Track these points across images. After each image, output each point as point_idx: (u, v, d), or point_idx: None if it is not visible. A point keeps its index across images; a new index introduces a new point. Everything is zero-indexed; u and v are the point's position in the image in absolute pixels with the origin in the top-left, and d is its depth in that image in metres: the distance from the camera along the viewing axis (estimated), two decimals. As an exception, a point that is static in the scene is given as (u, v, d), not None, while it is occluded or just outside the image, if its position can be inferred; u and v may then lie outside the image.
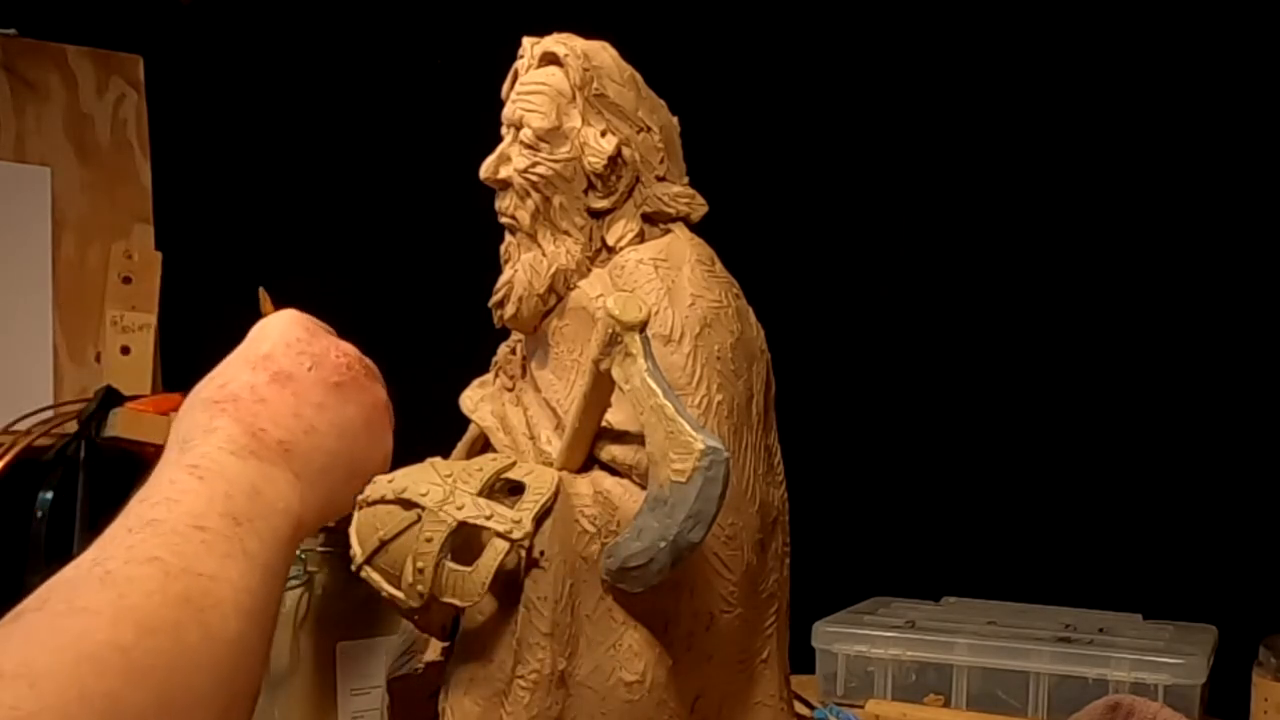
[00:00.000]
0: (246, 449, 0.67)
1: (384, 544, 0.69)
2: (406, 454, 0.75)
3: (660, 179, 0.78)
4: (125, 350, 1.45)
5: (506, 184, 0.78)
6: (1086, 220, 1.40)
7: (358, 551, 0.70)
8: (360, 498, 0.72)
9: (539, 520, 0.69)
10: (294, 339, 0.73)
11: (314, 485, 0.69)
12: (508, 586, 0.70)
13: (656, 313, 0.72)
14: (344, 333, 0.80)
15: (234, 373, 0.71)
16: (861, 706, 1.13)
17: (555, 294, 0.77)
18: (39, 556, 1.30)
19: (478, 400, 0.82)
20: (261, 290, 1.01)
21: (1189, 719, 1.01)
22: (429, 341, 1.42)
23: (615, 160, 0.76)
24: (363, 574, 0.71)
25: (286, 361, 0.72)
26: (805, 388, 0.97)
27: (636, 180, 0.77)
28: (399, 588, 0.69)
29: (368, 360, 0.76)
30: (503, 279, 0.79)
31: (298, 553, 1.01)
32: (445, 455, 0.80)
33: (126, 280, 1.46)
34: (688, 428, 0.65)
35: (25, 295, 1.41)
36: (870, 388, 1.47)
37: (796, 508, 0.79)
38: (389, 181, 1.55)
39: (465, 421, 0.82)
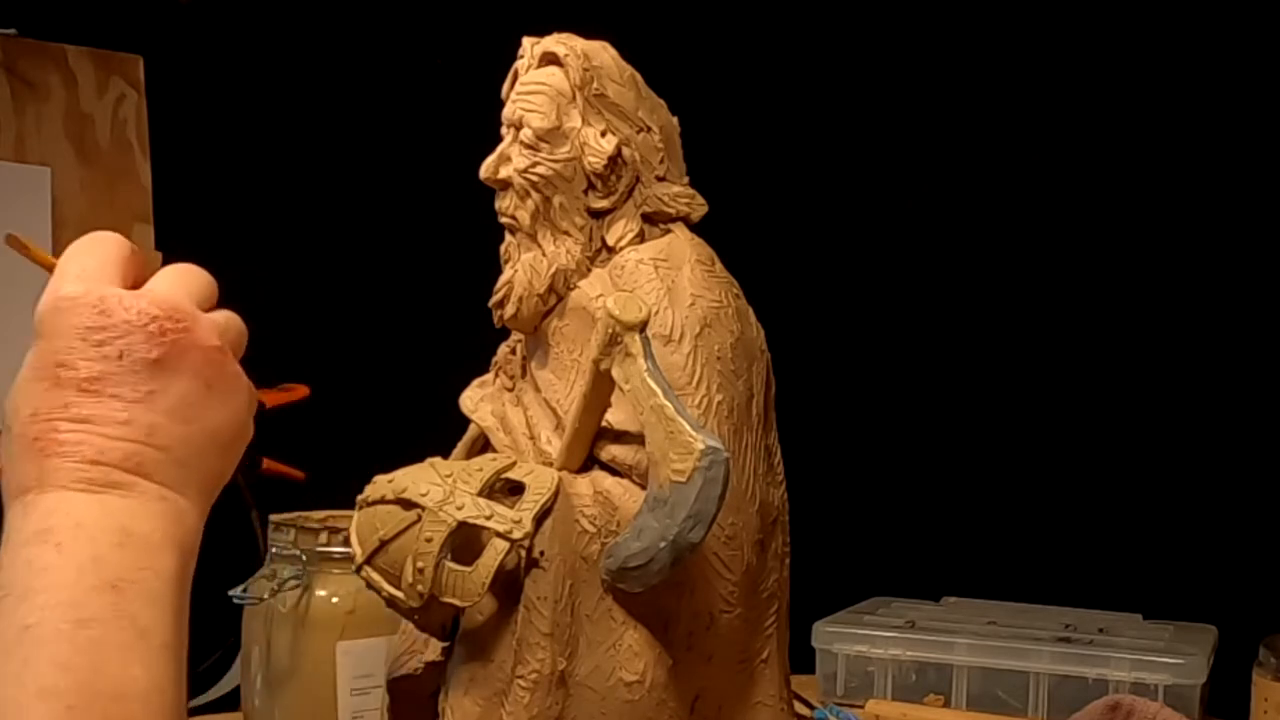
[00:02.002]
0: (93, 484, 0.58)
1: (384, 544, 0.69)
2: (407, 454, 0.75)
3: (660, 179, 0.78)
4: (125, 350, 1.44)
5: (506, 184, 0.78)
6: (1086, 221, 1.40)
7: (358, 551, 0.70)
8: (360, 498, 0.72)
9: (539, 520, 0.69)
10: (83, 325, 0.61)
11: (184, 485, 0.62)
12: (508, 586, 0.70)
13: (656, 313, 0.72)
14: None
15: (36, 396, 0.60)
16: (861, 706, 1.13)
17: (555, 294, 0.77)
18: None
19: (478, 400, 0.82)
20: (12, 237, 0.81)
21: (1189, 719, 1.00)
22: (429, 341, 1.42)
23: (615, 160, 0.76)
24: (363, 574, 0.71)
25: (88, 361, 0.60)
26: (805, 388, 0.97)
27: (636, 180, 0.77)
28: (399, 588, 0.69)
29: (173, 299, 0.63)
30: (503, 279, 0.79)
31: (298, 553, 1.01)
32: (445, 455, 0.80)
33: (126, 280, 1.46)
34: (688, 428, 0.65)
35: (25, 295, 1.41)
36: (870, 388, 1.47)
37: (796, 508, 0.79)
38: (389, 181, 1.55)
39: (465, 421, 0.82)
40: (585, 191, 0.76)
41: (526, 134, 0.76)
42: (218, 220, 1.55)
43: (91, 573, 0.56)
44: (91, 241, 0.65)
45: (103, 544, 0.57)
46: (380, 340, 1.49)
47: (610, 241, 0.77)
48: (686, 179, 0.80)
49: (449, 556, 0.69)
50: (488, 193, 0.79)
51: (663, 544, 0.66)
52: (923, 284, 1.47)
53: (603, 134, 0.76)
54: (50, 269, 0.70)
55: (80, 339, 0.61)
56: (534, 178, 0.76)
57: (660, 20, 1.42)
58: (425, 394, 0.87)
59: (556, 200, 0.76)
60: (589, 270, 0.77)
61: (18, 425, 0.60)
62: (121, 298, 0.61)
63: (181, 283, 0.66)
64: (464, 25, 1.51)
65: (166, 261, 0.65)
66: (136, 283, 0.64)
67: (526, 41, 0.79)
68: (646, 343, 0.68)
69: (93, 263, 0.64)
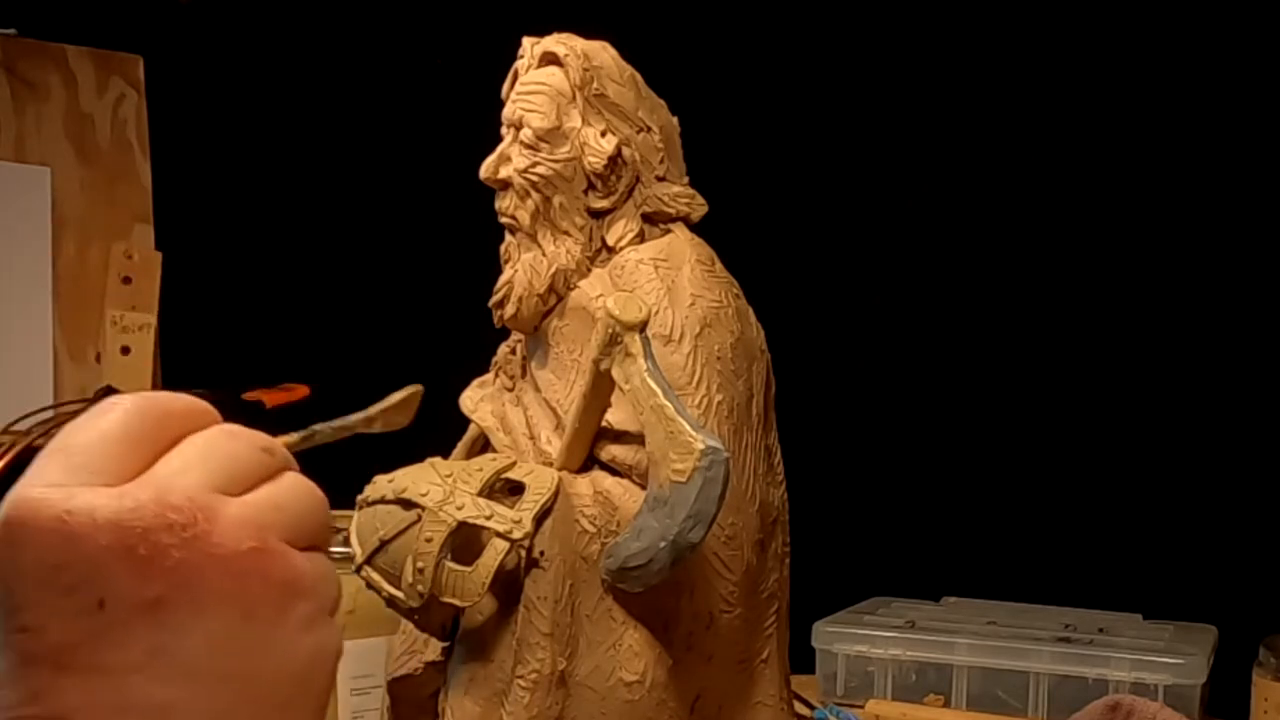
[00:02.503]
0: None
1: (384, 544, 0.69)
2: (407, 454, 0.75)
3: (660, 179, 0.78)
4: (125, 350, 1.45)
5: (506, 184, 0.78)
6: (1086, 222, 1.40)
7: (358, 551, 0.70)
8: (360, 498, 0.72)
9: (539, 520, 0.69)
10: (44, 563, 0.39)
11: None
12: (508, 586, 0.70)
13: (656, 313, 0.72)
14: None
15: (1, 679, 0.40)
16: (861, 706, 1.13)
17: (555, 294, 0.77)
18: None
19: (478, 400, 0.82)
20: None
21: (1189, 719, 1.00)
22: (429, 342, 1.42)
23: (615, 160, 0.76)
24: (363, 574, 0.71)
25: (57, 618, 0.39)
26: (805, 388, 0.97)
27: (636, 180, 0.77)
28: (399, 588, 0.69)
29: (178, 485, 0.41)
30: (503, 279, 0.79)
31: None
32: (445, 455, 0.80)
33: (126, 280, 1.46)
34: (688, 428, 0.65)
35: (25, 295, 1.41)
36: (870, 388, 1.47)
37: (796, 508, 0.79)
38: (389, 181, 1.55)
39: (465, 421, 0.82)
40: (585, 191, 0.76)
41: (526, 134, 0.76)
42: (218, 220, 1.55)
43: None
44: (103, 406, 0.42)
45: None
46: (380, 340, 1.49)
47: (610, 241, 0.77)
48: (686, 179, 0.80)
49: (449, 556, 0.69)
50: (488, 193, 0.79)
51: (663, 544, 0.66)
52: (922, 284, 1.47)
53: (603, 134, 0.76)
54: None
55: (40, 585, 0.39)
56: (534, 178, 0.76)
57: (660, 20, 1.42)
58: (425, 394, 0.87)
59: (556, 200, 0.76)
60: (589, 270, 0.77)
61: None
62: (93, 508, 0.39)
63: (201, 457, 0.42)
64: (464, 25, 1.51)
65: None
66: (163, 453, 0.42)
67: (526, 41, 0.79)
68: (646, 343, 0.68)
69: (83, 440, 0.41)
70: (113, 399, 0.42)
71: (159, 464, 0.41)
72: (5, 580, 0.39)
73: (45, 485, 0.40)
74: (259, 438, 0.44)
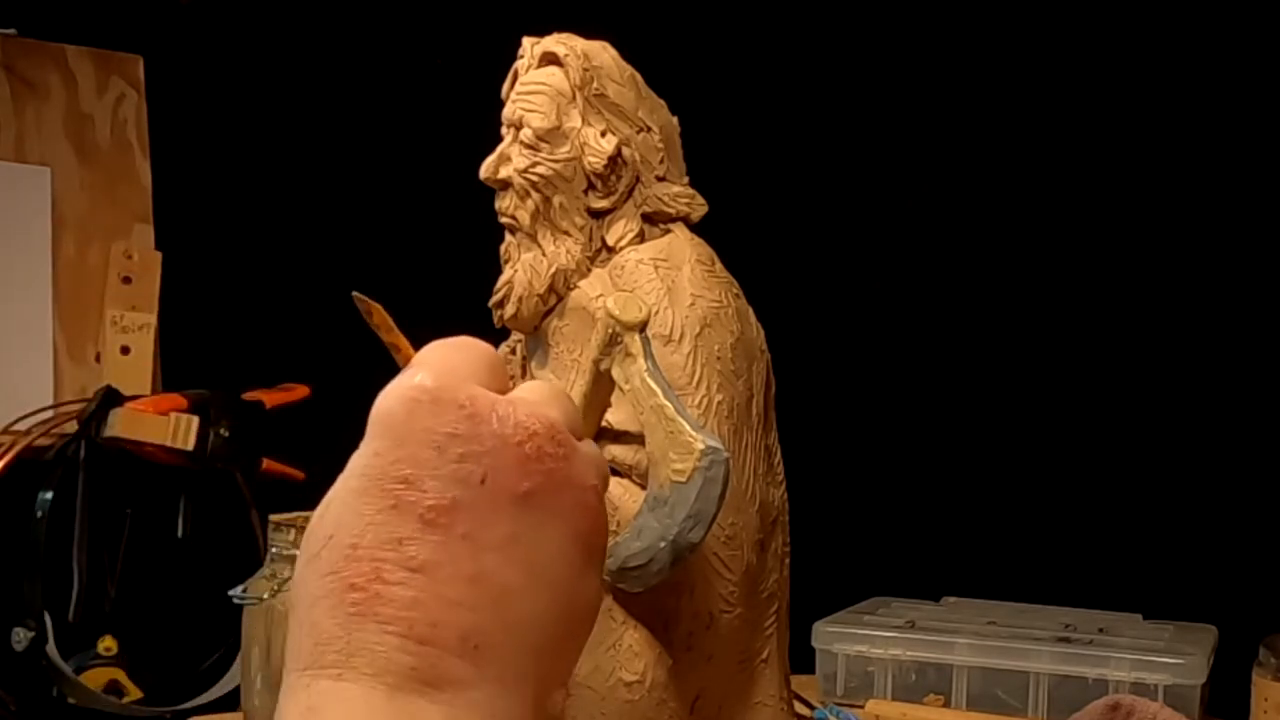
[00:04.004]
0: (410, 679, 0.41)
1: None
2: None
3: (660, 179, 0.78)
4: (125, 350, 1.45)
5: (506, 184, 0.78)
6: (1086, 222, 1.40)
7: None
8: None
9: (539, 520, 0.69)
10: (445, 431, 0.44)
11: (525, 685, 0.44)
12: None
13: (656, 313, 0.72)
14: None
15: (361, 519, 0.43)
16: (861, 706, 1.13)
17: (555, 294, 0.77)
18: (39, 556, 1.30)
19: (478, 400, 0.82)
20: (359, 297, 0.71)
21: (1189, 719, 1.00)
22: (429, 341, 1.42)
23: (615, 160, 0.76)
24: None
25: (442, 480, 0.43)
26: (805, 388, 0.97)
27: (636, 180, 0.77)
28: (399, 588, 0.69)
29: (549, 415, 0.46)
30: (503, 279, 0.79)
31: (298, 553, 1.01)
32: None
33: (126, 280, 1.46)
34: (688, 428, 0.65)
35: (25, 295, 1.41)
36: (870, 388, 1.47)
37: (796, 508, 0.79)
38: (389, 181, 1.55)
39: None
40: (585, 191, 0.76)
41: (526, 134, 0.76)
42: (218, 220, 1.55)
43: None
44: (456, 340, 0.49)
45: None
46: (380, 340, 1.49)
47: (610, 241, 0.77)
48: (686, 179, 0.80)
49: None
50: (488, 193, 0.79)
51: (663, 544, 0.66)
52: (922, 284, 1.47)
53: (603, 134, 0.76)
54: (397, 349, 0.61)
55: (434, 449, 0.43)
56: (534, 178, 0.76)
57: (660, 20, 1.42)
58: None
59: (556, 200, 0.76)
60: (589, 270, 0.77)
61: (330, 556, 0.43)
62: (495, 402, 0.45)
63: (554, 400, 0.48)
64: (464, 25, 1.52)
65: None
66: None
67: (526, 41, 0.79)
68: (646, 343, 0.68)
69: (464, 360, 0.47)
70: (464, 338, 0.50)
71: (519, 390, 0.48)
72: (400, 439, 0.44)
73: (444, 376, 0.45)
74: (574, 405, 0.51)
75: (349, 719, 0.40)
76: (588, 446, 0.48)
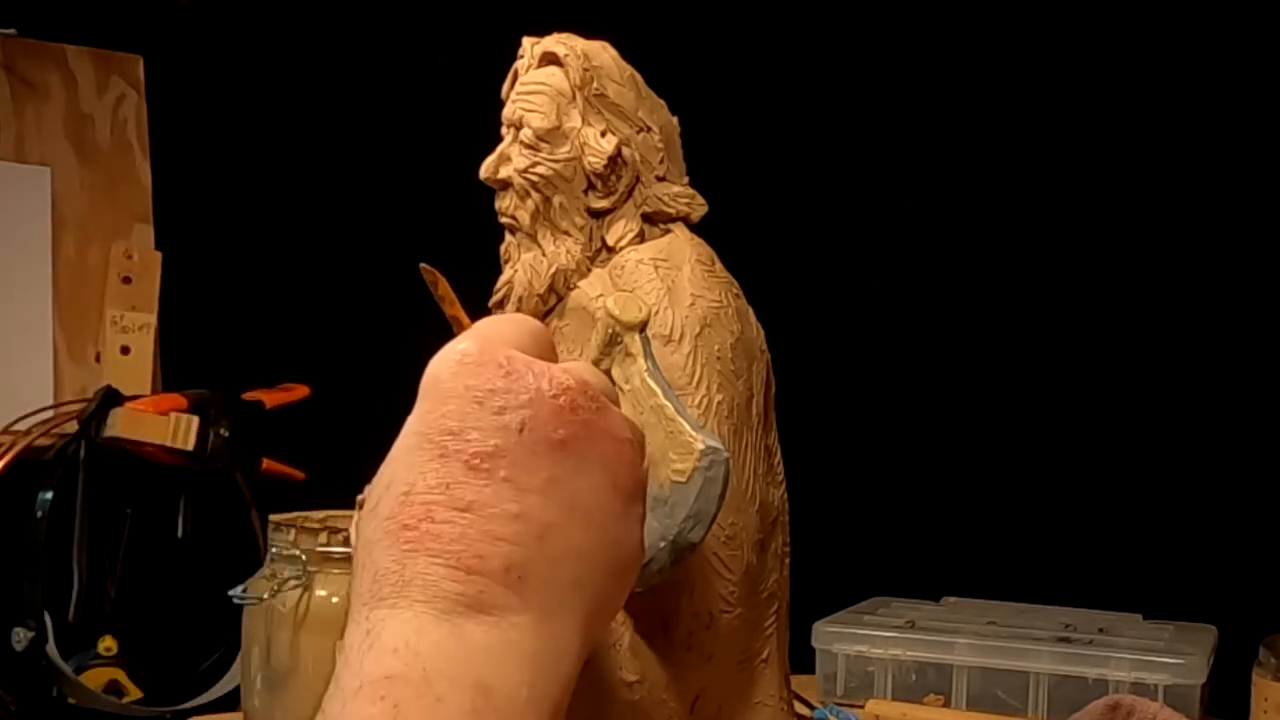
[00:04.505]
0: (458, 604, 0.46)
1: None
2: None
3: (660, 179, 0.78)
4: (125, 350, 1.45)
5: (506, 184, 0.78)
6: (1086, 222, 1.40)
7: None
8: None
9: (539, 520, 0.69)
10: (485, 388, 0.49)
11: (569, 612, 0.49)
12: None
13: (656, 313, 0.72)
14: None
15: (414, 469, 0.49)
16: (861, 706, 1.13)
17: (555, 294, 0.77)
18: (39, 556, 1.30)
19: (478, 400, 0.82)
20: (426, 268, 0.75)
21: (1189, 719, 1.00)
22: (429, 341, 1.42)
23: (615, 160, 0.76)
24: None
25: (482, 431, 0.48)
26: (805, 388, 0.97)
27: (636, 180, 0.77)
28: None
29: (585, 375, 0.53)
30: (503, 279, 0.79)
31: (298, 553, 1.01)
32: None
33: (126, 280, 1.46)
34: (688, 428, 0.65)
35: (25, 295, 1.41)
36: (870, 388, 1.47)
37: (796, 508, 0.79)
38: (389, 182, 1.55)
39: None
40: (585, 191, 0.76)
41: (526, 134, 0.76)
42: (218, 220, 1.55)
43: None
44: (507, 316, 0.58)
45: (452, 710, 0.43)
46: (380, 340, 1.50)
47: (610, 241, 0.77)
48: (686, 179, 0.80)
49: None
50: (488, 193, 0.79)
51: (663, 544, 0.66)
52: (922, 284, 1.47)
53: (603, 134, 0.76)
54: (459, 323, 0.65)
55: (476, 403, 0.49)
56: (534, 178, 0.76)
57: (660, 20, 1.42)
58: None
59: (556, 200, 0.76)
60: (589, 270, 0.77)
61: (386, 503, 0.48)
62: (531, 362, 0.51)
63: (590, 370, 0.56)
64: (464, 25, 1.52)
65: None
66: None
67: (526, 41, 0.79)
68: (646, 343, 0.68)
69: (509, 329, 0.53)
70: (517, 314, 0.58)
71: (527, 367, 0.51)
72: (440, 396, 0.49)
73: (488, 341, 0.51)
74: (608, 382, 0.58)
75: (402, 638, 0.45)
76: (621, 410, 0.54)
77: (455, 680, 0.44)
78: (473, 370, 0.50)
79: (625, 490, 0.52)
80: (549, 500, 0.48)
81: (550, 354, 0.54)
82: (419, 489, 0.48)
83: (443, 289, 0.69)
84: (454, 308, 0.64)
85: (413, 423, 0.50)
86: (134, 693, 1.34)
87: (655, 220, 0.78)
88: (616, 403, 0.55)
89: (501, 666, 0.45)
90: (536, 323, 0.56)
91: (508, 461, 0.48)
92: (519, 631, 0.46)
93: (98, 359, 1.44)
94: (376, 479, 0.50)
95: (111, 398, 1.33)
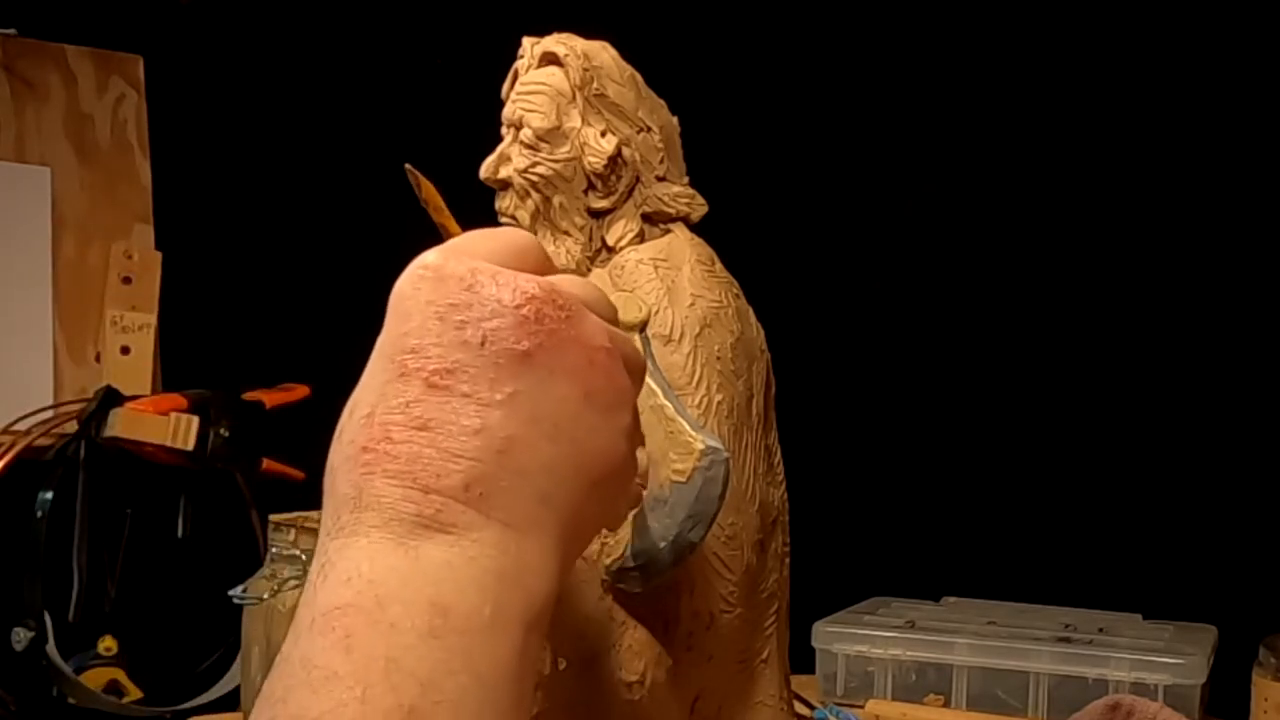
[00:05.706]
0: (416, 525, 0.44)
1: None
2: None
3: (660, 179, 0.78)
4: (125, 350, 1.45)
5: (506, 184, 0.78)
6: (1085, 223, 1.40)
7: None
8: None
9: (539, 520, 0.69)
10: (446, 302, 0.47)
11: (539, 528, 0.46)
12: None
13: (656, 313, 0.72)
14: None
15: (375, 388, 0.48)
16: (861, 706, 1.13)
17: (555, 294, 0.77)
18: (39, 556, 1.30)
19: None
20: (410, 170, 0.73)
21: (1189, 719, 1.00)
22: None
23: (615, 160, 0.76)
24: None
25: (441, 347, 0.46)
26: (805, 388, 0.97)
27: (636, 180, 0.77)
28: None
29: (558, 284, 0.50)
30: (503, 279, 0.79)
31: (298, 553, 1.01)
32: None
33: (126, 280, 1.46)
34: (688, 428, 0.65)
35: (25, 295, 1.41)
36: (870, 388, 1.47)
37: (796, 508, 0.79)
38: (389, 181, 1.55)
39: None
40: (585, 191, 0.76)
41: (526, 134, 0.76)
42: (218, 220, 1.55)
43: (384, 692, 0.40)
44: (494, 230, 0.52)
45: (407, 634, 0.42)
46: (430, 219, 1.50)
47: (610, 241, 0.77)
48: (686, 179, 0.80)
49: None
50: (487, 193, 0.79)
51: (663, 544, 0.66)
52: (922, 285, 1.47)
53: (603, 134, 0.76)
54: (446, 230, 0.61)
55: (437, 319, 0.47)
56: (534, 178, 0.76)
57: (660, 20, 1.42)
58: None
59: (556, 200, 0.76)
60: (589, 270, 0.77)
61: (348, 427, 0.47)
62: (496, 273, 0.48)
63: (580, 283, 0.52)
64: (464, 25, 1.52)
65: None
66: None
67: (526, 41, 0.79)
68: (646, 343, 0.68)
69: (481, 243, 0.50)
70: (513, 230, 0.53)
71: (556, 278, 0.50)
72: (407, 313, 0.47)
73: (456, 254, 0.48)
74: (604, 297, 0.55)
75: (355, 566, 0.43)
76: (603, 323, 0.51)
77: (410, 603, 0.42)
78: (433, 285, 0.48)
79: (601, 400, 0.49)
80: (512, 414, 0.46)
81: (541, 269, 0.51)
82: (380, 410, 0.46)
83: (427, 192, 0.66)
84: (441, 214, 0.62)
85: (379, 343, 0.49)
86: (134, 693, 1.34)
87: (655, 220, 0.78)
88: (606, 314, 0.52)
89: (462, 586, 0.43)
90: (526, 236, 0.52)
91: (469, 377, 0.46)
92: (480, 549, 0.44)
93: (98, 359, 1.44)
94: (346, 406, 0.49)
95: (111, 398, 1.33)
